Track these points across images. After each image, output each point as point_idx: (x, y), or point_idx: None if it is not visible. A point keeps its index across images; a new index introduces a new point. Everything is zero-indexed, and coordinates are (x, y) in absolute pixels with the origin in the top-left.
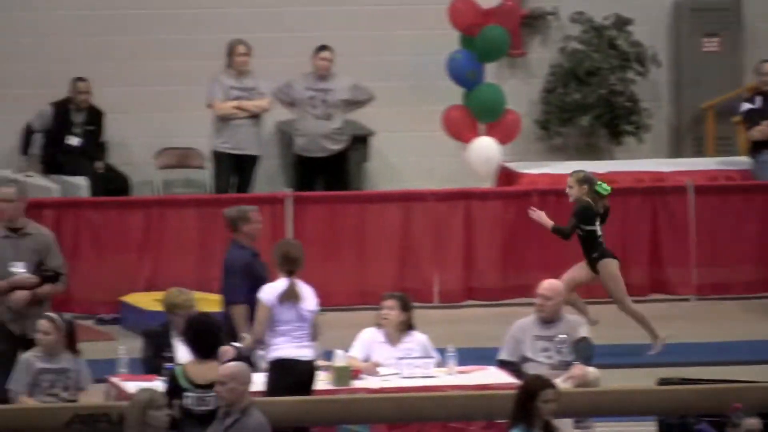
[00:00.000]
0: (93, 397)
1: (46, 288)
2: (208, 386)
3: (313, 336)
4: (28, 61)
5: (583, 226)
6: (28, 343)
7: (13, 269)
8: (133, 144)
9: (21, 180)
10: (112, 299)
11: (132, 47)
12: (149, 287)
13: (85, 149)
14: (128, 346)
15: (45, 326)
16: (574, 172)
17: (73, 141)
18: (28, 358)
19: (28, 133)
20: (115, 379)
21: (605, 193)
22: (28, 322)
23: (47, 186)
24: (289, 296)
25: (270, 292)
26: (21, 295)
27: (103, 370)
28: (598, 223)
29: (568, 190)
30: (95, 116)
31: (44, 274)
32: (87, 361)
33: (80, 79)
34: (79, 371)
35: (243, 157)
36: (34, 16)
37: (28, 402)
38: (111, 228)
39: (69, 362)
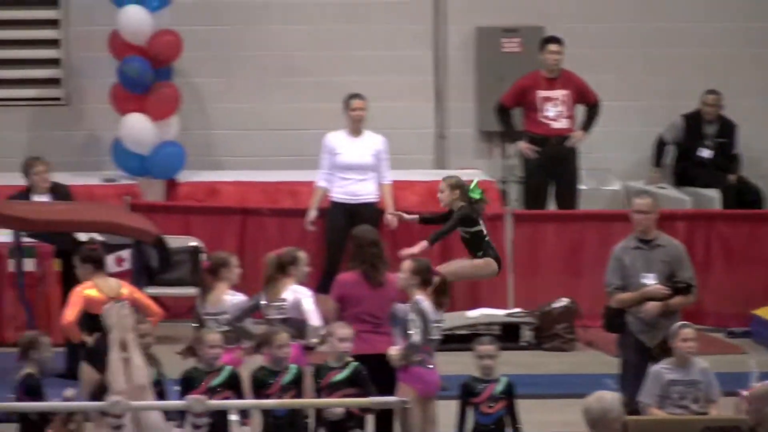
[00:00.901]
0: (723, 410)
1: (677, 299)
2: None
3: None
4: (661, 73)
5: (467, 229)
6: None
7: (645, 280)
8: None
9: (654, 191)
10: (743, 312)
11: None
12: None
13: (716, 161)
14: (759, 360)
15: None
16: (446, 177)
17: (705, 153)
18: (659, 369)
19: (660, 144)
20: (745, 393)
21: (478, 197)
22: (658, 333)
23: (679, 198)
24: None
25: None
26: (652, 306)
27: (732, 383)
28: (482, 223)
29: (439, 195)
30: (727, 128)
31: (676, 285)
32: (717, 374)
33: (711, 92)
34: (709, 383)
35: None
36: None
37: (657, 414)
38: (742, 241)
39: (699, 374)
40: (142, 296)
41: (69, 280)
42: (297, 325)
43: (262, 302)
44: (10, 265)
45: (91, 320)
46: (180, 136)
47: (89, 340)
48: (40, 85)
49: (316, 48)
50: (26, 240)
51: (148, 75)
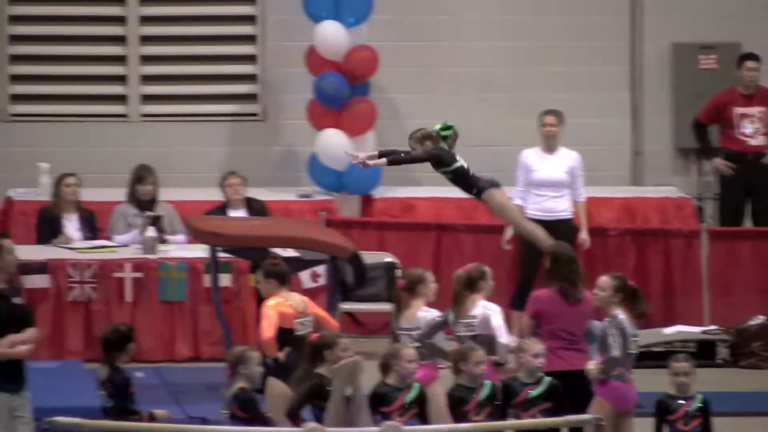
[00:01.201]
0: None
1: None
2: None
3: None
4: None
5: (446, 168)
6: None
7: None
8: None
9: None
10: None
11: None
12: None
13: None
14: None
15: None
16: (413, 132)
17: None
18: None
19: None
20: None
21: (448, 134)
22: None
23: None
24: None
25: None
26: None
27: None
28: (460, 158)
29: (412, 153)
30: None
31: None
32: None
33: None
34: None
35: None
36: None
37: None
38: None
39: None
40: (320, 309)
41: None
42: (486, 342)
43: (451, 319)
44: (206, 281)
45: (282, 335)
46: None
47: (280, 355)
48: (238, 101)
49: (513, 64)
50: (222, 255)
51: (344, 91)
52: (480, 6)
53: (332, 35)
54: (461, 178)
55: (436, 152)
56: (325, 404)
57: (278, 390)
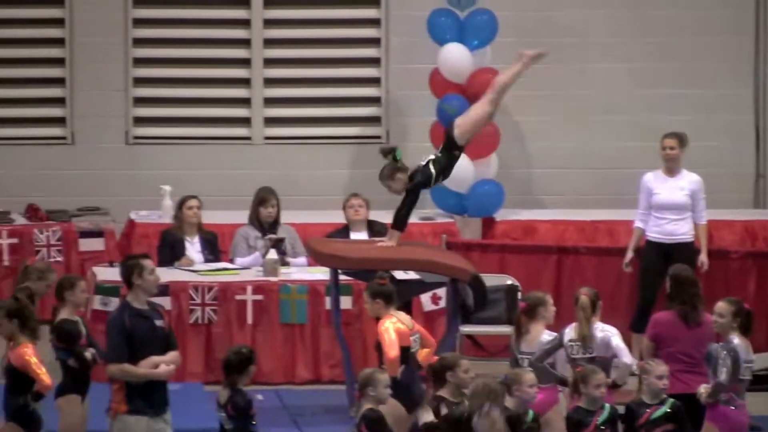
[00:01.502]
0: None
1: None
2: None
3: None
4: None
5: (436, 181)
6: None
7: None
8: None
9: None
10: None
11: None
12: None
13: None
14: None
15: None
16: (379, 176)
17: None
18: None
19: None
20: None
21: (400, 155)
22: None
23: None
24: None
25: None
26: None
27: None
28: (423, 161)
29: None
30: None
31: None
32: None
33: None
34: None
35: None
36: None
37: None
38: None
39: None
40: (419, 326)
41: None
42: (603, 364)
43: (566, 341)
44: (327, 303)
45: (401, 353)
46: (499, 174)
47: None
48: (361, 123)
49: (635, 86)
50: (343, 278)
51: None
52: (603, 29)
53: (456, 58)
54: (447, 167)
55: (421, 180)
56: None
57: (394, 408)
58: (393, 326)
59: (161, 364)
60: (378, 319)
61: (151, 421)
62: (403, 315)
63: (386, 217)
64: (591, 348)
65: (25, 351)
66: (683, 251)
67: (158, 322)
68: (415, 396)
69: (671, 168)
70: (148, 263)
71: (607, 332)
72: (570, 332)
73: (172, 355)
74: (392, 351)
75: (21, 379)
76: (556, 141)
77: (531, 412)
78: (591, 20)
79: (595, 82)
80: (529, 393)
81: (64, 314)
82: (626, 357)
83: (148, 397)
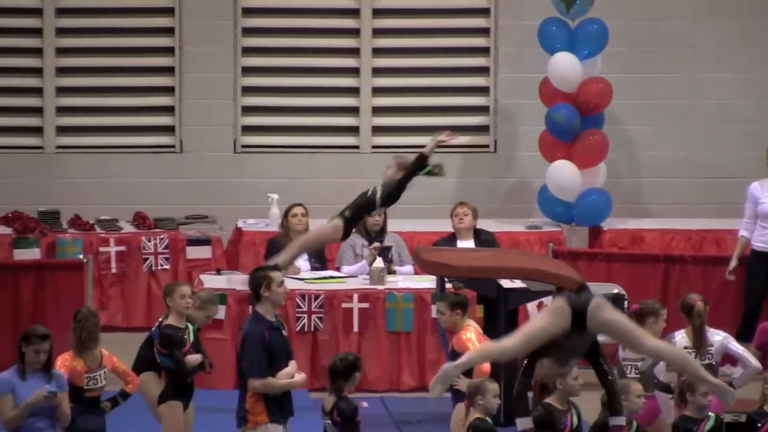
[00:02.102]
0: None
1: None
2: None
3: None
4: None
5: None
6: None
7: None
8: None
9: None
10: None
11: None
12: None
13: None
14: None
15: None
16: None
17: None
18: None
19: None
20: None
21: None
22: None
23: None
24: None
25: None
26: None
27: None
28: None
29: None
30: None
31: None
32: None
33: None
34: None
35: None
36: None
37: None
38: None
39: None
40: None
41: (491, 327)
42: (712, 370)
43: (683, 348)
44: (433, 311)
45: None
46: (607, 183)
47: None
48: (470, 132)
49: (748, 96)
50: (450, 286)
51: (575, 122)
52: (713, 38)
53: (566, 67)
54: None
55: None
56: None
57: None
58: (475, 336)
59: (296, 375)
60: (452, 329)
61: (285, 429)
62: (474, 323)
63: (494, 225)
64: (709, 354)
65: None
66: None
67: (284, 333)
68: None
69: None
70: (276, 275)
71: (724, 337)
72: (682, 339)
73: (294, 364)
74: (486, 366)
75: None
76: (664, 150)
77: (635, 423)
78: (701, 29)
79: (704, 91)
80: (636, 403)
81: (170, 321)
82: (752, 361)
83: (282, 405)
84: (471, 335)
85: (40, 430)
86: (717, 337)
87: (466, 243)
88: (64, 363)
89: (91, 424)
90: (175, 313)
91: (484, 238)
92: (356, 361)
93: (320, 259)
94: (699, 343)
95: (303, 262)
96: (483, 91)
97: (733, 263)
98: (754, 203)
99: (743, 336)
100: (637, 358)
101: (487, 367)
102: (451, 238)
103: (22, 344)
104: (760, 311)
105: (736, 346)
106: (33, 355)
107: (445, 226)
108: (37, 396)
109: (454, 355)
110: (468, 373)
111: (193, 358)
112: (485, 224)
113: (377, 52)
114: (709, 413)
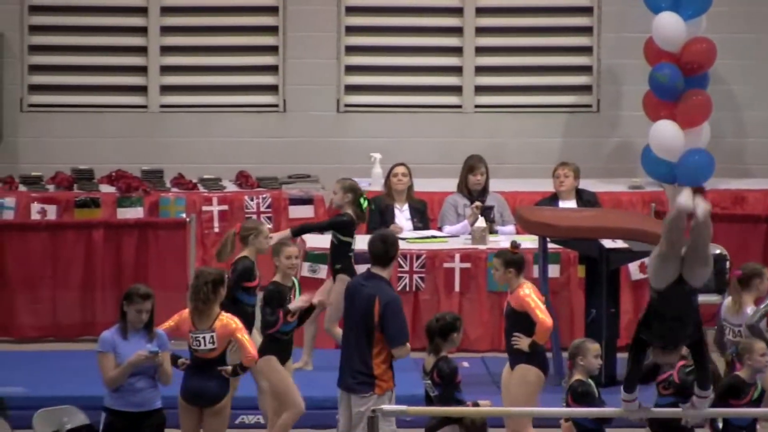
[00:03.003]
0: None
1: None
2: None
3: None
4: None
5: (340, 236)
6: None
7: None
8: None
9: None
10: None
11: None
12: None
13: None
14: None
15: None
16: (341, 179)
17: None
18: None
19: None
20: None
21: (362, 208)
22: None
23: None
24: None
25: None
26: None
27: None
28: (354, 237)
29: (332, 196)
30: None
31: None
32: None
33: None
34: None
35: None
36: None
37: None
38: None
39: None
40: None
41: (593, 287)
42: None
43: None
44: (535, 271)
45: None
46: (710, 143)
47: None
48: (573, 92)
49: None
50: (552, 246)
51: (678, 82)
52: None
53: (670, 27)
54: (341, 251)
55: (347, 221)
56: None
57: (529, 376)
58: (533, 293)
59: None
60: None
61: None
62: (530, 282)
63: (596, 185)
64: None
65: None
66: None
67: None
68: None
69: None
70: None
71: None
72: None
73: None
74: (548, 318)
75: None
76: (767, 110)
77: (759, 383)
78: None
79: None
80: (761, 362)
81: (276, 278)
82: None
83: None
84: (529, 291)
85: (142, 390)
86: None
87: (568, 203)
88: (176, 318)
89: (197, 385)
90: (281, 272)
91: (586, 199)
92: (454, 321)
93: (422, 218)
94: None
95: (405, 222)
96: (586, 50)
97: None
98: None
99: None
100: (736, 322)
101: (550, 322)
102: (552, 198)
103: (123, 303)
104: None
105: None
106: (135, 315)
107: (548, 186)
108: (139, 356)
109: (511, 313)
110: (527, 331)
111: (302, 300)
112: (587, 184)
113: (481, 11)
114: (757, 381)
